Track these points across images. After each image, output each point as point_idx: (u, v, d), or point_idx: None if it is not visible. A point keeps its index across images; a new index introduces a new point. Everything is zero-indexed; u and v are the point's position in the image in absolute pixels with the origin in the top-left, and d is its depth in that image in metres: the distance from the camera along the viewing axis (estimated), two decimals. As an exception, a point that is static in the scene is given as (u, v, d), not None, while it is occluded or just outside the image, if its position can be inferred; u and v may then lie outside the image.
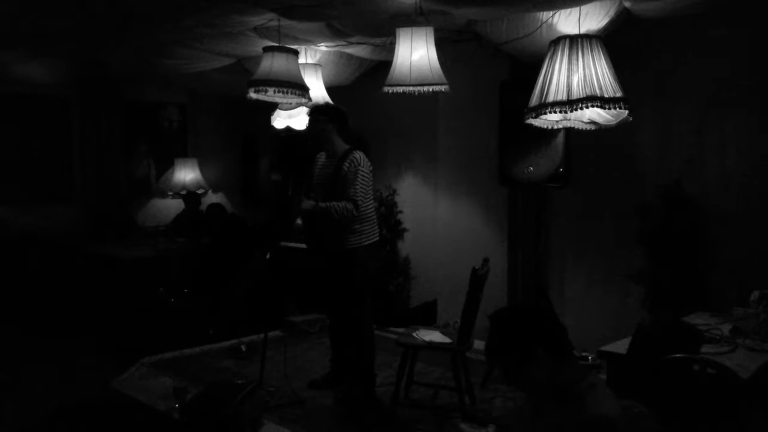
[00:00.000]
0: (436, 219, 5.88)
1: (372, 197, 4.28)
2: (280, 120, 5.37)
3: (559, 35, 3.63)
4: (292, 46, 4.60)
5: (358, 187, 4.07)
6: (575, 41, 3.48)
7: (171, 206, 7.51)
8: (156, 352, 5.01)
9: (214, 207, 7.23)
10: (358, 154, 4.15)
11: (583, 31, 3.73)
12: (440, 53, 4.04)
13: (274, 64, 4.41)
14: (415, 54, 3.94)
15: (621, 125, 3.59)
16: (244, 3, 3.94)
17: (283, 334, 5.44)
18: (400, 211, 6.20)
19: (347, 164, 4.12)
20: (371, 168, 4.22)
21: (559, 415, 1.88)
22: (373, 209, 4.28)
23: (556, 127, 3.77)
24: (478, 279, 3.89)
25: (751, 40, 4.14)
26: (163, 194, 7.56)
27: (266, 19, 4.32)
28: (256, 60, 4.78)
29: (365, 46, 5.07)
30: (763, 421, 2.65)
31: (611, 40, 3.70)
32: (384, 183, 6.17)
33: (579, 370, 1.94)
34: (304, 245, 4.55)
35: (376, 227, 4.28)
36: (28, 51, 5.33)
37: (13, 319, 5.92)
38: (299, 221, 4.38)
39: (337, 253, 4.17)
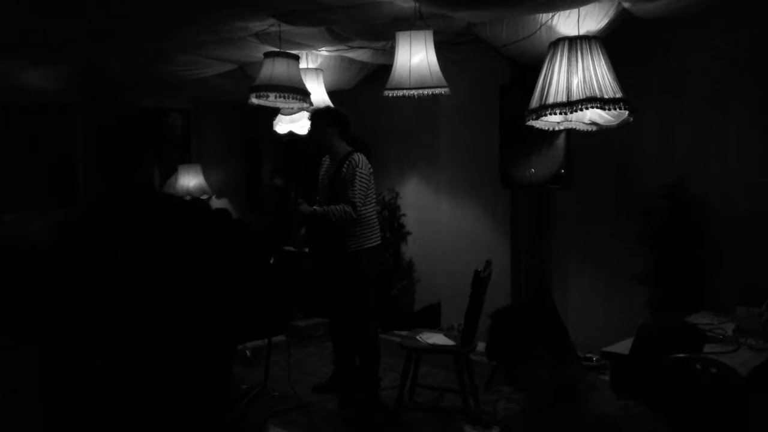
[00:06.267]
0: (439, 222, 5.88)
1: (373, 200, 4.28)
2: (282, 125, 5.38)
3: (558, 37, 3.64)
4: (292, 51, 4.62)
5: (356, 189, 4.07)
6: (575, 42, 3.49)
7: (175, 212, 7.52)
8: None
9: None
10: (357, 156, 4.15)
11: (582, 32, 3.73)
12: (440, 56, 4.05)
13: (275, 70, 4.43)
14: (415, 57, 3.95)
15: (622, 126, 3.60)
16: (244, 9, 3.96)
17: (287, 338, 5.44)
18: (403, 215, 6.20)
19: (346, 166, 4.12)
20: (371, 170, 4.21)
21: (559, 415, 1.88)
22: (374, 212, 4.28)
23: (557, 128, 3.77)
24: (480, 281, 3.89)
25: (752, 40, 4.14)
26: (167, 200, 7.57)
27: (267, 24, 4.34)
28: (258, 65, 4.79)
29: (366, 50, 5.08)
30: (763, 419, 2.64)
31: (611, 41, 3.70)
32: (387, 186, 6.17)
33: (579, 370, 1.95)
34: (306, 249, 4.55)
35: (378, 230, 4.28)
36: (32, 60, 5.36)
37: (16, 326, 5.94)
38: (303, 230, 4.38)
39: (338, 257, 4.18)
